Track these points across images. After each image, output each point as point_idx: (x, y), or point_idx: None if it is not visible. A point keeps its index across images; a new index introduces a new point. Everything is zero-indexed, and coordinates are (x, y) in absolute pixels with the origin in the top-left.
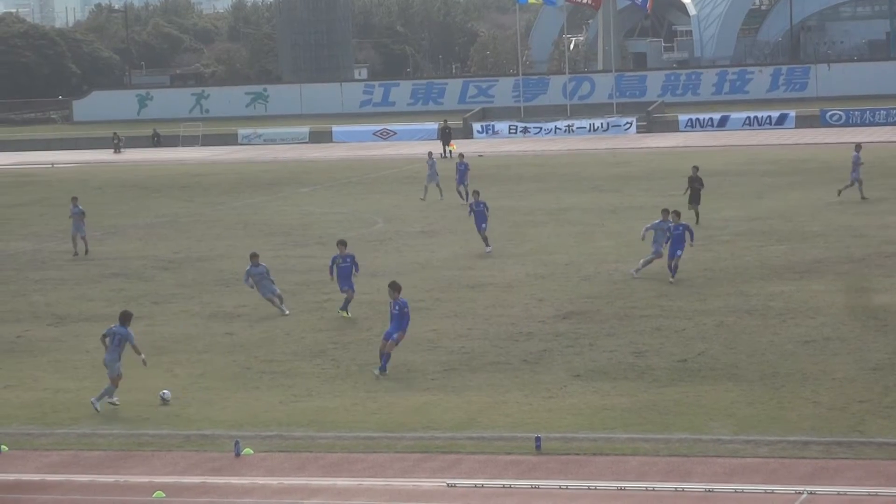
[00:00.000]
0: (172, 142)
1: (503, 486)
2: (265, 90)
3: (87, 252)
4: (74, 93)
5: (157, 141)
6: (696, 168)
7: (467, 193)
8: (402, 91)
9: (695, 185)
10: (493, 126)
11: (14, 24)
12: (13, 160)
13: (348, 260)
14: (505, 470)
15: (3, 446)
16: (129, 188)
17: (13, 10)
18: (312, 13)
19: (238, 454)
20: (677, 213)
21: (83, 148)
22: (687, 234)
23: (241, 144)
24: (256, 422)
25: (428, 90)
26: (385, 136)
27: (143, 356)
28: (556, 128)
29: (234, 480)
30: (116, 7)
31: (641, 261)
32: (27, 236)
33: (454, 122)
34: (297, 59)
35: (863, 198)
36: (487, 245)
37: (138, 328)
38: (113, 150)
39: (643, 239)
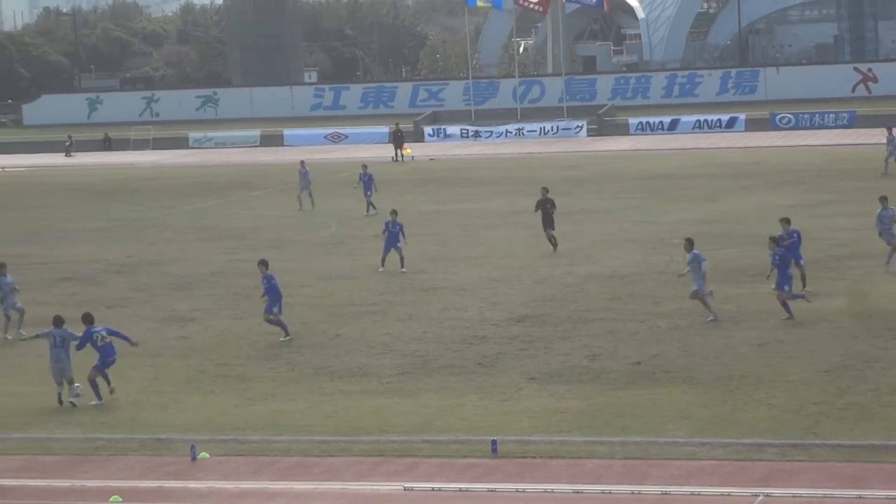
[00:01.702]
0: (123, 145)
1: (460, 490)
2: (215, 93)
3: None
4: (24, 97)
5: (108, 144)
6: (545, 189)
7: (370, 205)
8: (352, 94)
9: (546, 208)
10: (445, 129)
11: None
12: None
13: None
14: (461, 473)
15: None
16: (81, 192)
17: None
18: (261, 16)
19: (194, 458)
20: (787, 220)
21: (34, 152)
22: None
23: (192, 148)
24: (212, 425)
25: (378, 93)
26: (336, 139)
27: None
28: (506, 131)
29: (191, 484)
30: (65, 10)
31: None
32: None
33: (405, 126)
34: (246, 63)
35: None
36: (383, 265)
37: None
38: (64, 154)
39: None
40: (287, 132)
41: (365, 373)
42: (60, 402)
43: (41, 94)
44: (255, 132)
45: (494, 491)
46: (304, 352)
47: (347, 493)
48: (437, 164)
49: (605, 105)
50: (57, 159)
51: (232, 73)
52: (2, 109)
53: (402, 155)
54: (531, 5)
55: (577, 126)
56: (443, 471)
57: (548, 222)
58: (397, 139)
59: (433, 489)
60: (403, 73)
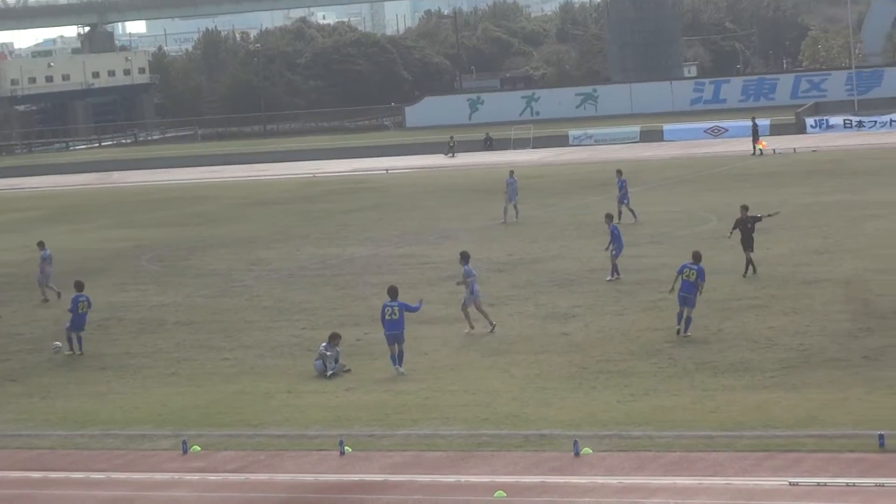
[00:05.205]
0: (504, 145)
1: (847, 485)
2: (595, 91)
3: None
4: (406, 99)
5: (488, 144)
6: (744, 208)
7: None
8: (732, 88)
9: (745, 227)
10: (827, 120)
11: (346, 33)
12: (349, 167)
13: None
14: (848, 468)
15: (346, 447)
16: (462, 191)
17: (345, 20)
18: (641, 12)
19: (577, 453)
20: None
21: (416, 153)
22: None
23: (572, 146)
24: (594, 421)
25: (759, 86)
26: (716, 133)
27: None
28: (891, 121)
29: (574, 480)
30: (445, 13)
31: None
32: (364, 241)
33: (786, 118)
34: (625, 59)
35: None
36: (615, 273)
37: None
38: (446, 154)
39: None
40: (667, 127)
41: (748, 367)
42: None
43: (423, 95)
44: (635, 128)
45: (882, 486)
46: (686, 347)
47: (731, 488)
48: (819, 156)
49: None
50: (439, 160)
51: (611, 69)
52: (385, 112)
53: (761, 150)
54: None
55: None
56: (829, 466)
57: (747, 243)
58: (754, 133)
59: (819, 484)
60: (784, 65)
